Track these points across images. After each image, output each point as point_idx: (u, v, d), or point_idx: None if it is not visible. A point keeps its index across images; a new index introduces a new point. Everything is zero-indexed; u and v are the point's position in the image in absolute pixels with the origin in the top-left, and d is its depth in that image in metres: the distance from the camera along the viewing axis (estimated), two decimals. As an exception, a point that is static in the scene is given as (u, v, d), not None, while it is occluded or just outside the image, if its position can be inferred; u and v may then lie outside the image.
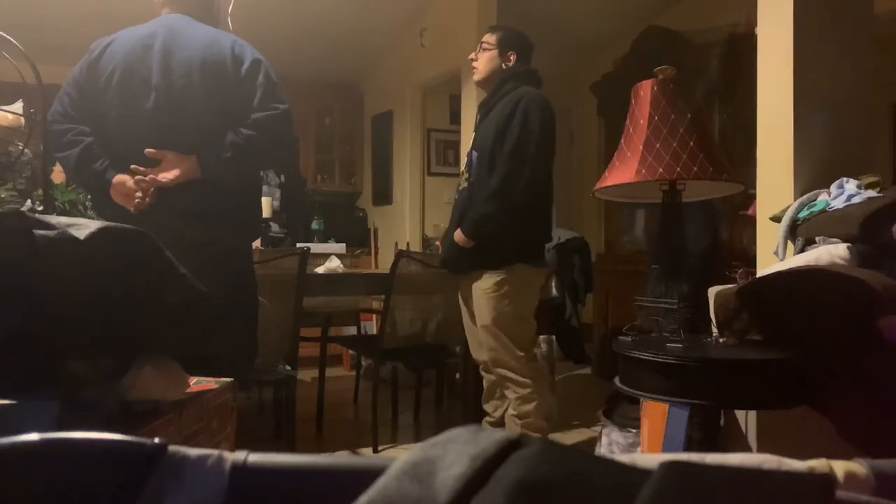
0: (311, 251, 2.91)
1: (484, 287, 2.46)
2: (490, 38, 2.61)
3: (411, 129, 5.25)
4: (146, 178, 1.76)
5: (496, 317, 2.44)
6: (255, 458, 0.42)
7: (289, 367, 2.77)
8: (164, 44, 1.84)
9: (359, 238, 5.60)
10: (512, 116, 2.43)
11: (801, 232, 1.79)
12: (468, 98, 4.26)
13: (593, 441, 2.46)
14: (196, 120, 1.82)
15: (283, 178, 4.87)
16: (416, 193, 5.30)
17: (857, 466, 0.45)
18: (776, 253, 1.84)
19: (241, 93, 1.84)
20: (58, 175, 3.14)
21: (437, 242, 4.90)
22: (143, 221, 1.74)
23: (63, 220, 0.91)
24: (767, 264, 1.87)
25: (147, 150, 1.78)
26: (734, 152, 3.59)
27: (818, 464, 0.47)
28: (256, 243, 3.48)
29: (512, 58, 2.58)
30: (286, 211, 5.09)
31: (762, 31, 2.07)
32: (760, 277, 1.65)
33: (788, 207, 1.85)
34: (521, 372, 2.46)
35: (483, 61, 2.61)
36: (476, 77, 2.67)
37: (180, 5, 1.95)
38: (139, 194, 1.77)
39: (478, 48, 2.64)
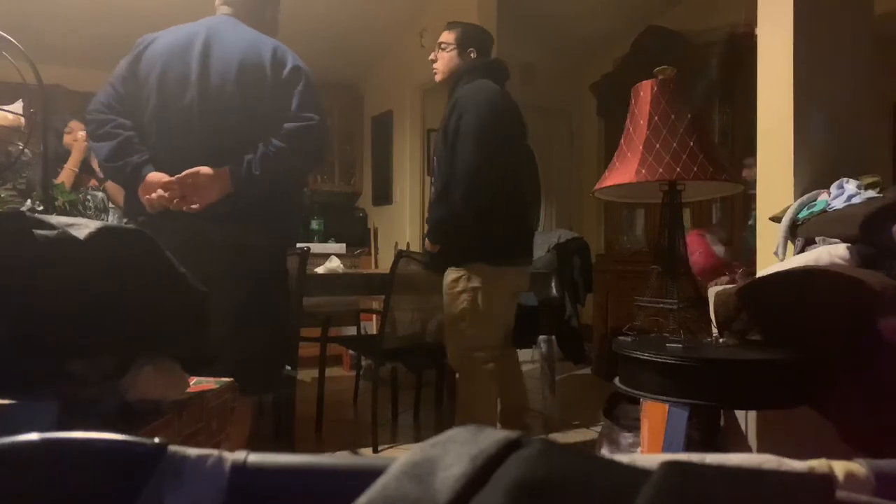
0: (311, 251, 2.91)
1: (445, 283, 2.47)
2: (448, 37, 2.56)
3: (411, 129, 5.25)
4: (175, 200, 1.75)
5: (453, 313, 2.43)
6: (255, 458, 0.42)
7: (289, 367, 2.76)
8: (204, 43, 1.83)
9: (359, 238, 5.60)
10: (450, 118, 2.38)
11: (801, 232, 1.79)
12: (468, 98, 4.25)
13: (593, 441, 2.46)
14: (229, 121, 1.80)
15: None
16: (415, 193, 5.30)
17: (857, 466, 0.45)
18: (776, 253, 1.84)
19: (277, 98, 1.82)
20: (61, 175, 3.14)
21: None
22: (171, 221, 1.75)
23: (63, 220, 0.91)
24: (767, 264, 1.87)
25: (177, 176, 1.75)
26: (734, 152, 3.60)
27: (818, 464, 0.47)
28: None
29: (472, 55, 2.53)
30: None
31: (762, 31, 2.07)
32: (760, 277, 1.65)
33: (788, 207, 1.85)
34: (469, 372, 2.45)
35: (443, 61, 2.57)
36: (438, 77, 2.61)
37: (232, 6, 1.96)
38: (163, 194, 1.76)
39: (437, 48, 2.59)
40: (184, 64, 1.82)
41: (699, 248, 2.05)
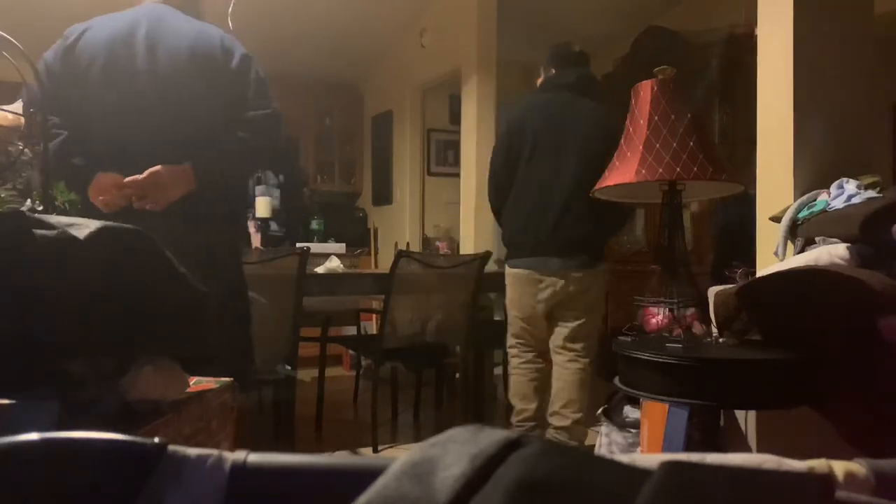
0: (311, 251, 2.91)
1: None
2: (542, 66, 2.80)
3: (411, 129, 5.25)
4: (136, 199, 1.67)
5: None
6: (254, 458, 0.42)
7: (289, 367, 2.77)
8: (149, 32, 1.76)
9: (359, 238, 5.60)
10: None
11: (801, 232, 1.79)
12: (468, 98, 4.26)
13: (593, 441, 2.47)
14: (184, 111, 1.74)
15: (281, 178, 4.86)
16: (415, 193, 5.30)
17: (857, 466, 0.45)
18: (776, 253, 1.84)
19: (231, 86, 1.77)
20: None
21: (438, 243, 4.90)
22: (126, 219, 1.69)
23: (63, 219, 0.91)
24: (767, 264, 1.87)
25: (136, 178, 1.67)
26: (734, 152, 3.60)
27: (818, 464, 0.47)
28: (256, 243, 3.48)
29: (551, 70, 2.73)
30: (284, 211, 5.09)
31: (762, 31, 2.07)
32: (760, 277, 1.65)
33: (788, 207, 1.85)
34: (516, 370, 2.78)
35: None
36: None
37: None
38: (117, 196, 1.68)
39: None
40: (129, 55, 1.74)
41: (652, 315, 2.13)
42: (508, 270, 2.70)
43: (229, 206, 1.87)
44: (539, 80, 2.76)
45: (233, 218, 1.91)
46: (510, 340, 2.78)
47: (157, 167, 1.69)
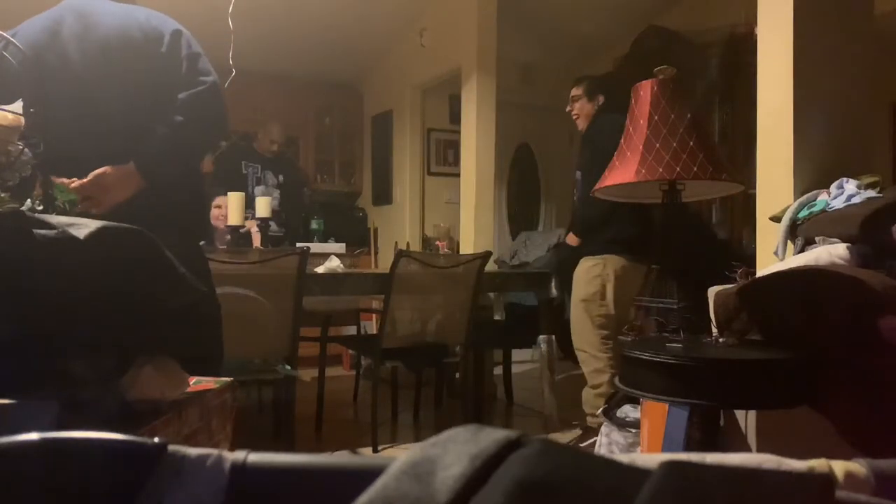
0: (311, 251, 2.91)
1: (580, 269, 2.98)
2: (578, 90, 3.16)
3: (411, 128, 5.25)
4: (80, 202, 1.62)
5: (583, 296, 2.94)
6: (254, 457, 0.42)
7: (288, 367, 2.77)
8: (73, 27, 1.70)
9: (359, 238, 5.59)
10: (583, 144, 3.10)
11: (801, 232, 1.79)
12: (468, 98, 4.26)
13: (593, 441, 2.46)
14: (120, 104, 1.68)
15: (281, 178, 4.85)
16: (415, 193, 5.30)
17: (857, 466, 0.45)
18: (776, 253, 1.84)
19: (166, 69, 1.70)
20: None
21: (437, 242, 4.91)
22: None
23: (63, 219, 0.91)
24: (767, 264, 1.87)
25: (80, 181, 1.62)
26: (734, 152, 3.60)
27: (818, 464, 0.47)
28: (256, 242, 3.48)
29: (601, 98, 3.10)
30: (284, 210, 5.08)
31: (762, 31, 2.07)
32: (760, 277, 1.65)
33: (788, 207, 1.85)
34: (597, 348, 2.87)
35: (578, 109, 3.16)
36: (579, 124, 3.18)
37: None
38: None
39: (570, 101, 3.19)
40: (54, 55, 1.68)
41: None
42: (620, 262, 2.85)
43: (181, 199, 1.78)
44: (596, 104, 3.11)
45: (185, 210, 1.80)
46: (594, 337, 2.87)
47: (103, 169, 1.64)
